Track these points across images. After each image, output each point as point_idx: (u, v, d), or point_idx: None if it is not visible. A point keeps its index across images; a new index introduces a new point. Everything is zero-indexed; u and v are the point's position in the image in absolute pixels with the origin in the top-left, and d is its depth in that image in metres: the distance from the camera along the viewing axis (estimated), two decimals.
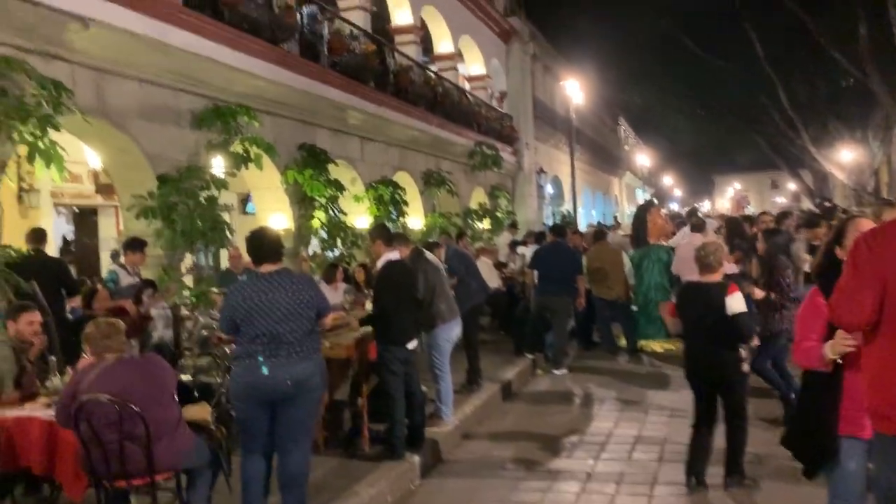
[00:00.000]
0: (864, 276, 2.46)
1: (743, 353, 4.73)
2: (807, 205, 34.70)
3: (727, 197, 66.16)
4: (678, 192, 59.47)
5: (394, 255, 5.67)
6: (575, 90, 17.32)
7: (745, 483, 4.74)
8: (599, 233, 10.48)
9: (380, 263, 5.70)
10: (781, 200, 67.64)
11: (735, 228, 9.19)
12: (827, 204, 12.57)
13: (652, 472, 5.12)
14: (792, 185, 55.88)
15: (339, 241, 11.05)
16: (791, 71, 27.63)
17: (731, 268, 7.44)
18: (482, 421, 6.81)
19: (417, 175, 15.03)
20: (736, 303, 4.62)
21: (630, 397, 7.28)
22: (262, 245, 4.30)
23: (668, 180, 54.58)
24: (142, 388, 3.86)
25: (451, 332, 6.36)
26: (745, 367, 4.80)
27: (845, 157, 29.03)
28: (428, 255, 6.37)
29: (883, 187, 29.42)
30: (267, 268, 4.22)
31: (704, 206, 60.25)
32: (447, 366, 6.31)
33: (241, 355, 4.18)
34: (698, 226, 9.14)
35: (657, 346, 9.81)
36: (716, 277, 4.85)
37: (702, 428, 4.82)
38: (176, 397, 4.19)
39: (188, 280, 8.47)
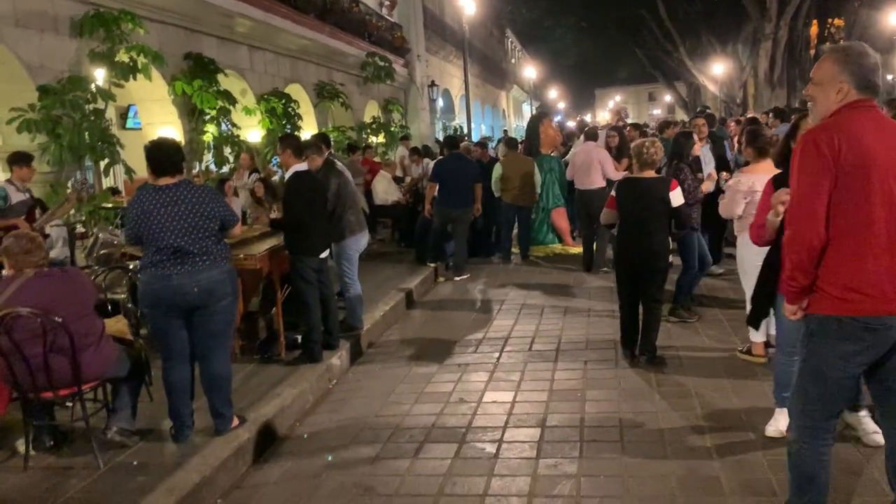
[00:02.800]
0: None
1: (669, 244, 5.34)
2: (681, 115, 36.50)
3: (608, 109, 68.25)
4: (562, 105, 60.75)
5: (302, 166, 5.73)
6: (468, 0, 17.22)
7: (657, 360, 5.33)
8: (511, 141, 10.76)
9: (288, 174, 5.74)
10: (658, 112, 70.68)
11: (624, 137, 9.83)
12: (708, 111, 13.38)
13: (551, 361, 5.62)
14: (668, 98, 58.35)
15: (230, 156, 10.83)
16: None
17: (619, 174, 7.94)
18: (390, 326, 7.14)
19: (310, 87, 14.74)
20: (676, 197, 5.24)
21: (527, 300, 7.78)
22: (160, 157, 4.23)
23: (552, 94, 55.56)
24: (65, 300, 3.86)
25: (360, 242, 6.55)
26: (670, 257, 5.39)
27: (717, 70, 30.57)
28: (339, 165, 6.45)
29: (749, 99, 31.33)
30: (166, 180, 4.19)
31: (586, 119, 62.07)
32: (356, 274, 6.53)
33: (147, 265, 4.19)
34: (592, 135, 9.61)
35: (548, 250, 10.41)
36: (652, 173, 5.33)
37: (628, 309, 5.48)
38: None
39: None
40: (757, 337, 5.14)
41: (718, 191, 6.37)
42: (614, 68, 45.72)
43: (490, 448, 4.15)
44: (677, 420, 4.37)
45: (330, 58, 15.68)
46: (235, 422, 4.44)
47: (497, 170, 9.80)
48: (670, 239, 5.52)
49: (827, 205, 2.56)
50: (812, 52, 30.83)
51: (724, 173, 7.15)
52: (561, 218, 10.53)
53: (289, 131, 12.32)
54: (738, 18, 29.09)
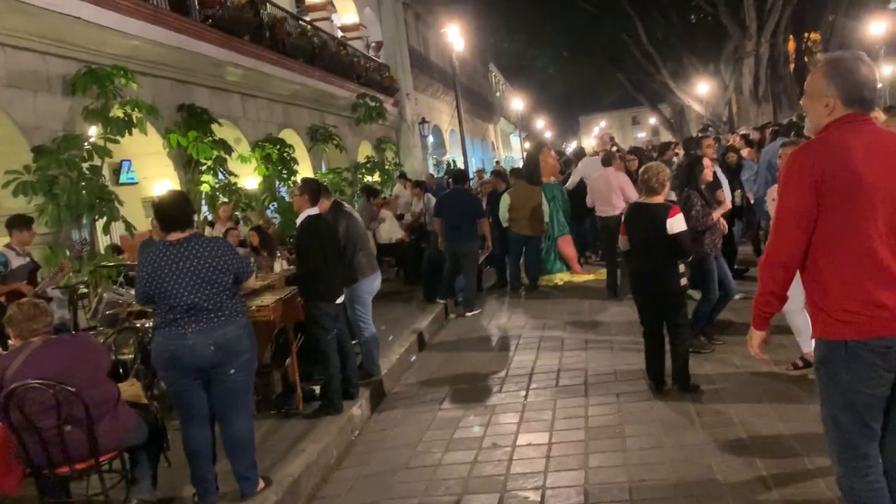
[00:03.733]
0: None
1: (682, 268, 5.14)
2: (666, 137, 36.71)
3: (593, 135, 68.80)
4: (549, 135, 61.20)
5: (313, 210, 5.57)
6: (456, 36, 17.31)
7: (690, 388, 5.12)
8: (516, 170, 10.70)
9: (300, 219, 5.57)
10: (642, 135, 71.28)
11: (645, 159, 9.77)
12: (709, 130, 13.36)
13: (581, 396, 5.40)
14: (652, 120, 58.82)
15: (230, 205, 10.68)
16: (648, 8, 28.85)
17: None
18: (407, 369, 6.93)
19: (303, 131, 14.69)
20: (676, 223, 5.03)
21: (544, 331, 7.57)
22: (171, 212, 4.08)
23: (539, 123, 55.98)
24: (77, 367, 3.66)
25: (373, 284, 6.37)
26: (684, 280, 5.19)
27: (701, 90, 30.81)
28: (346, 207, 6.30)
29: (735, 117, 31.56)
30: (176, 235, 4.03)
31: (572, 146, 62.46)
32: (370, 317, 6.35)
33: (161, 325, 4.01)
34: (608, 160, 9.56)
35: (557, 279, 10.24)
36: (659, 199, 5.17)
37: (650, 338, 5.29)
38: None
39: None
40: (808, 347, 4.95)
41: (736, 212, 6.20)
42: (598, 95, 46.07)
43: (534, 496, 3.93)
44: (726, 452, 4.15)
45: (321, 101, 15.66)
46: (261, 484, 4.22)
47: (505, 200, 9.68)
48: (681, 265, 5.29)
49: (808, 228, 2.49)
50: (792, 66, 31.22)
51: (738, 192, 7.02)
52: (567, 245, 10.38)
53: (285, 177, 12.22)
54: (719, 37, 29.44)
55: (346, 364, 5.68)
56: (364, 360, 6.27)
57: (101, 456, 3.76)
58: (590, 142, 61.80)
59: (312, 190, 5.60)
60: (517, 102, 41.16)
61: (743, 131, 14.67)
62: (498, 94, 46.78)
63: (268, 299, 5.67)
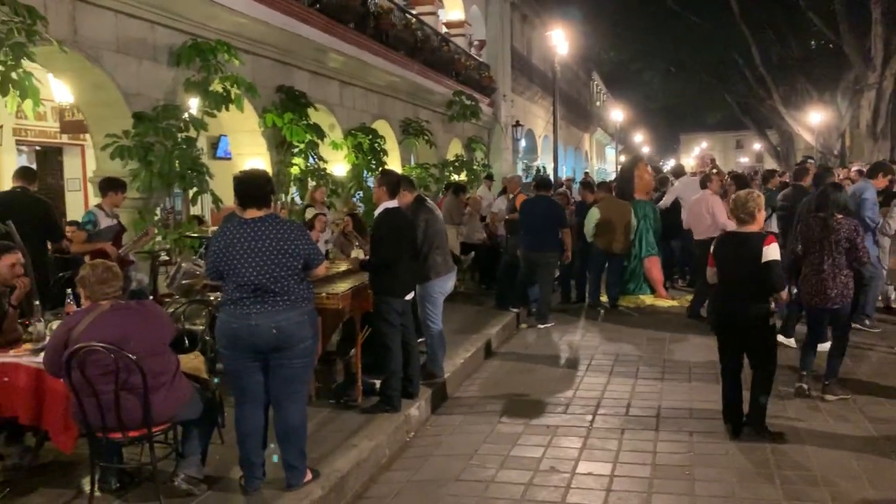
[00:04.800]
0: None
1: (773, 305, 4.80)
2: (770, 164, 35.12)
3: (693, 155, 66.79)
4: (646, 150, 59.74)
5: (393, 203, 5.45)
6: (560, 41, 16.96)
7: (764, 432, 4.77)
8: (604, 184, 10.40)
9: (378, 211, 5.47)
10: (745, 160, 68.60)
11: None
12: (811, 160, 12.62)
13: (651, 430, 5.08)
14: (757, 146, 56.51)
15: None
16: (765, 30, 27.65)
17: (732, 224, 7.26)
18: (470, 375, 6.74)
19: (396, 124, 14.70)
20: (772, 251, 4.67)
21: (619, 356, 7.24)
22: (249, 188, 4.01)
23: (638, 137, 54.68)
24: (139, 336, 3.64)
25: (446, 284, 6.20)
26: (774, 319, 4.84)
27: (814, 119, 29.29)
28: (429, 203, 6.16)
29: (848, 150, 29.87)
30: (252, 213, 3.96)
31: (670, 164, 60.77)
32: (440, 318, 6.19)
33: (227, 302, 3.96)
34: (704, 182, 9.15)
35: (639, 301, 9.83)
36: (753, 228, 4.83)
37: (729, 377, 4.96)
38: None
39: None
40: None
41: None
42: (702, 113, 44.52)
43: None
44: None
45: (417, 95, 15.64)
46: (308, 475, 4.12)
47: (593, 213, 9.37)
48: (772, 302, 4.92)
49: None
50: None
51: None
52: (654, 267, 9.95)
53: (374, 167, 12.22)
54: (839, 66, 27.89)
55: (409, 362, 5.55)
56: (428, 361, 6.12)
57: (154, 426, 3.75)
58: (689, 161, 60.20)
59: (391, 182, 5.48)
60: (616, 113, 40.24)
61: (856, 167, 13.75)
62: (598, 103, 45.91)
63: (339, 287, 5.59)
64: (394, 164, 14.19)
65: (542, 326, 8.62)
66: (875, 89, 24.84)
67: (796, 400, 5.54)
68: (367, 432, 4.93)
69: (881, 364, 6.61)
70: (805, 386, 5.63)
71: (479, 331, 7.89)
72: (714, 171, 11.78)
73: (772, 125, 35.61)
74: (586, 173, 29.99)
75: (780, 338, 6.61)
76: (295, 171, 10.46)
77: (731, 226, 7.30)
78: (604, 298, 9.72)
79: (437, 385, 5.99)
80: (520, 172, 23.40)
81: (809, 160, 12.49)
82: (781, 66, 29.46)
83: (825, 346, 5.77)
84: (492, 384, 6.48)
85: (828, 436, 4.82)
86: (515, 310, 8.99)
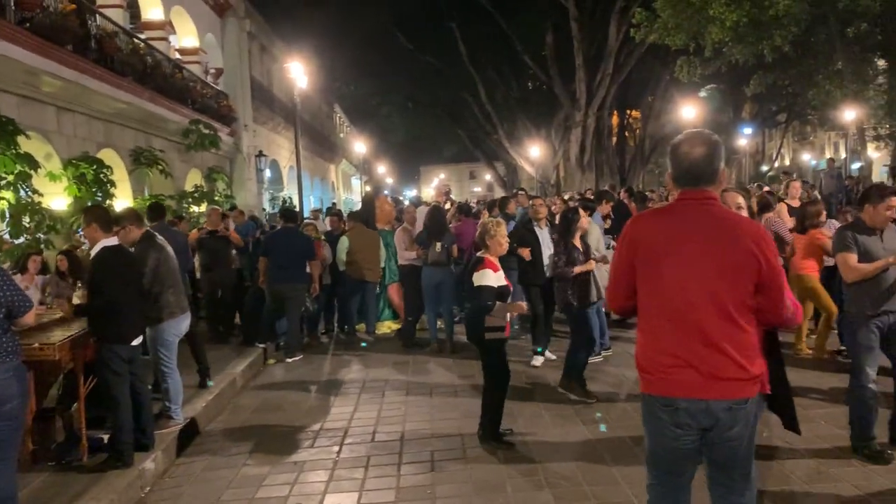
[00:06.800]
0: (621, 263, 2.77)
1: (489, 320, 5.14)
2: (500, 193, 38.29)
3: (432, 185, 70.55)
4: (390, 180, 61.91)
5: (111, 240, 5.06)
6: (299, 73, 17.01)
7: (494, 444, 5.18)
8: (355, 213, 10.53)
9: (95, 250, 5.04)
10: (478, 189, 74.00)
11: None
12: (522, 191, 13.98)
13: (396, 453, 5.25)
14: (488, 176, 61.26)
15: (31, 226, 9.61)
16: (490, 71, 30.25)
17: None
18: (215, 417, 6.44)
19: (125, 153, 13.68)
20: (479, 277, 5.07)
21: (366, 382, 7.39)
22: None
23: (381, 168, 56.45)
24: None
25: (180, 325, 5.90)
26: (492, 334, 5.17)
27: (533, 153, 32.55)
28: (159, 239, 5.81)
29: (562, 181, 33.61)
30: None
31: (412, 193, 63.61)
32: (174, 361, 5.86)
33: None
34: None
35: (386, 327, 10.13)
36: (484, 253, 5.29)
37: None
38: None
39: None
40: None
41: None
42: (439, 146, 47.19)
43: None
44: None
45: (149, 123, 14.70)
46: None
47: (343, 243, 9.48)
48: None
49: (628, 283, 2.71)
50: (614, 139, 33.89)
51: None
52: (397, 294, 10.32)
53: (99, 199, 11.24)
54: (552, 105, 31.38)
55: (141, 412, 5.18)
56: (164, 409, 5.75)
57: None
58: (430, 191, 63.37)
59: (100, 217, 5.08)
60: (359, 146, 41.25)
61: (566, 196, 15.56)
62: (342, 134, 46.69)
63: (56, 336, 5.06)
64: (124, 195, 13.18)
65: (290, 360, 8.51)
66: (581, 126, 28.33)
67: (526, 409, 6.06)
68: (94, 493, 4.51)
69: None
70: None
71: (224, 370, 7.59)
72: (447, 203, 12.58)
73: (499, 157, 38.91)
74: (334, 203, 30.32)
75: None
76: (3, 205, 9.27)
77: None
78: (359, 327, 9.85)
79: (175, 433, 5.64)
80: (266, 204, 23.01)
81: (521, 191, 13.86)
82: (505, 104, 32.39)
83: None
84: (237, 425, 6.25)
85: (553, 445, 5.30)
86: (262, 345, 8.77)
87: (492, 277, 5.07)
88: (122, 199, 13.14)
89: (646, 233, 2.68)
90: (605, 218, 9.14)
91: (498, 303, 5.06)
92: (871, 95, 18.75)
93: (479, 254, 5.30)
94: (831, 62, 17.31)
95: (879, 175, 23.52)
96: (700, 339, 2.54)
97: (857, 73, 17.16)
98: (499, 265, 5.23)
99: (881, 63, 21.40)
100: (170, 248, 5.85)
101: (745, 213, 4.22)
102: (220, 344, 8.98)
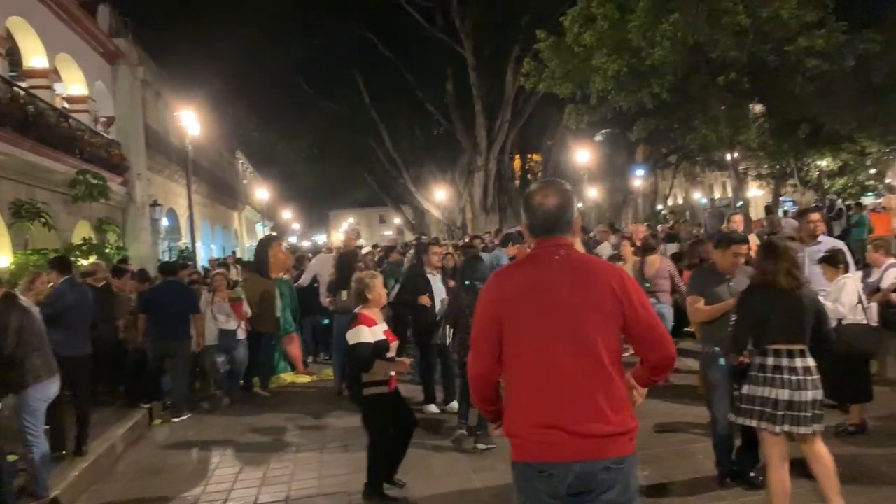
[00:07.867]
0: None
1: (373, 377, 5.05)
2: (409, 237, 38.49)
3: (341, 230, 70.12)
4: (297, 226, 61.16)
5: None
6: (191, 121, 16.68)
7: (377, 500, 5.06)
8: (248, 263, 10.30)
9: None
10: (389, 233, 74.09)
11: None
12: (423, 238, 14.11)
13: None
14: (397, 220, 61.55)
15: None
16: (394, 117, 30.61)
17: None
18: (89, 487, 6.07)
19: (4, 206, 12.98)
20: (353, 335, 5.00)
21: (255, 441, 7.16)
22: None
23: (287, 214, 55.73)
24: None
25: (48, 390, 5.55)
26: (371, 390, 5.05)
27: (439, 197, 32.99)
28: (23, 301, 5.49)
29: (468, 223, 34.15)
30: None
31: (322, 238, 63.03)
32: (41, 429, 5.50)
33: None
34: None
35: (280, 380, 9.88)
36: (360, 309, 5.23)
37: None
38: None
39: None
40: None
41: None
42: (347, 191, 47.11)
43: None
44: None
45: (31, 174, 14.03)
46: None
47: (238, 293, 9.22)
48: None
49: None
50: (517, 182, 34.81)
51: None
52: (292, 344, 10.12)
53: None
54: (456, 150, 32.00)
55: (1, 488, 4.82)
56: (29, 482, 5.38)
57: None
58: (339, 236, 62.93)
59: None
60: (262, 192, 40.65)
61: (467, 238, 15.79)
62: (245, 181, 45.91)
63: None
64: (3, 251, 12.47)
65: (176, 420, 8.16)
66: (483, 171, 28.97)
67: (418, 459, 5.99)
68: None
69: None
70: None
71: (101, 435, 7.18)
72: (353, 245, 12.49)
73: (406, 202, 39.18)
74: (234, 252, 29.66)
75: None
76: None
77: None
78: (255, 381, 9.55)
79: None
80: (162, 254, 22.23)
81: (423, 237, 14.01)
82: (410, 149, 32.80)
83: None
84: (113, 495, 5.90)
85: (443, 497, 5.27)
86: (147, 406, 8.38)
87: (367, 334, 4.97)
88: (1, 255, 12.44)
89: (508, 287, 2.61)
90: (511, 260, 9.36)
91: (377, 361, 4.97)
92: (743, 139, 20.05)
93: (356, 309, 5.25)
94: (708, 108, 18.40)
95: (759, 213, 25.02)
96: (572, 394, 2.45)
97: (731, 119, 18.30)
98: (376, 319, 5.17)
99: (758, 108, 22.99)
100: (35, 310, 5.54)
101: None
102: (102, 406, 8.51)
